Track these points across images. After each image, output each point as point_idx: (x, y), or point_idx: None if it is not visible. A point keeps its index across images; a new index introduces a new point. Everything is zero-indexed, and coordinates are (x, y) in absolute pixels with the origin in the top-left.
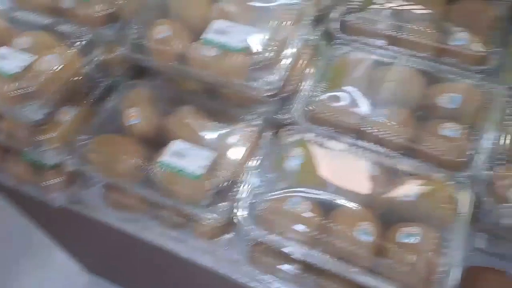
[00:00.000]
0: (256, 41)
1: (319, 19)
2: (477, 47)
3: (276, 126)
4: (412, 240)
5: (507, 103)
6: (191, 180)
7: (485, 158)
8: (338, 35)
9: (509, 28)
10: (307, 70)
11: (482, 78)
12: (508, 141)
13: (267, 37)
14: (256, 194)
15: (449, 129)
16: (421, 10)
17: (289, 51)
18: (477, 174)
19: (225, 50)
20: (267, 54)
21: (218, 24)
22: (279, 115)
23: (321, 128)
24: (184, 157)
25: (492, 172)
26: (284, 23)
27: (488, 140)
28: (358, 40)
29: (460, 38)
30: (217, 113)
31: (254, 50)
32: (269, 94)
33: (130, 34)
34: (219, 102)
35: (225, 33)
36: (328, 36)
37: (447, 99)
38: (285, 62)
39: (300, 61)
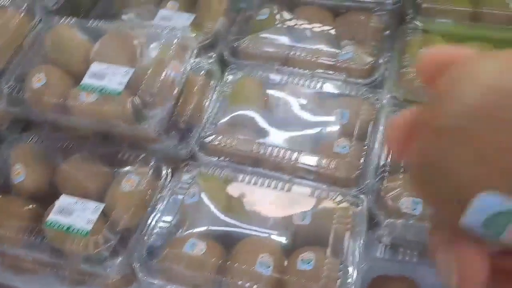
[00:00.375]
0: (137, 81)
1: (212, 46)
2: (362, 60)
3: (175, 163)
4: (307, 266)
5: (393, 113)
6: (82, 237)
7: (374, 172)
8: (231, 61)
9: (393, 37)
10: (202, 101)
11: (369, 90)
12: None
13: (149, 74)
14: (155, 241)
15: (340, 146)
16: (311, 27)
17: (175, 85)
18: (368, 188)
19: (104, 94)
20: (151, 92)
21: (96, 67)
22: (176, 151)
23: (219, 159)
24: (71, 213)
25: (380, 185)
26: (168, 57)
27: (376, 153)
28: (252, 65)
29: (347, 52)
30: (110, 157)
31: (136, 91)
32: (159, 132)
33: (5, 86)
34: (112, 145)
35: (103, 76)
36: (222, 63)
37: (337, 115)
38: (172, 97)
39: (192, 93)
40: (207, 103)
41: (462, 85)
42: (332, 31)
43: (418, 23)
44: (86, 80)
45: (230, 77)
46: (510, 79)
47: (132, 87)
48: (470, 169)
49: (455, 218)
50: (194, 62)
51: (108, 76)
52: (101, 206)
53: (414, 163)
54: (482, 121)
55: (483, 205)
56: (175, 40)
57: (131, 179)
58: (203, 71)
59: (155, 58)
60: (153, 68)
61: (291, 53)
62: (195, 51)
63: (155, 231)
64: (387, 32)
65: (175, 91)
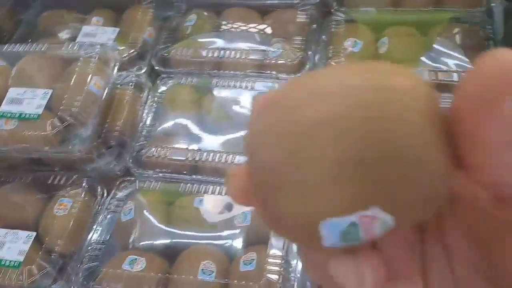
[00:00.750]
0: (57, 101)
1: (141, 57)
2: (291, 55)
3: (112, 181)
4: (249, 267)
5: None
6: (15, 269)
7: None
8: (162, 70)
9: (319, 30)
10: (133, 114)
11: None
12: None
13: (68, 94)
14: (93, 263)
15: None
16: (240, 28)
17: (98, 102)
18: None
19: (24, 119)
20: (71, 111)
21: (13, 92)
22: (111, 169)
23: (155, 171)
24: (2, 246)
25: None
26: (88, 74)
27: None
28: (183, 72)
29: (276, 49)
30: (43, 182)
31: (57, 112)
32: (85, 151)
33: None
34: (44, 169)
35: (21, 101)
36: (154, 73)
37: None
38: (95, 114)
39: (122, 107)
40: (138, 116)
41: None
42: (261, 30)
43: (341, 14)
44: (4, 107)
45: (161, 87)
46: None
47: (52, 108)
48: (296, 208)
49: (317, 244)
50: (120, 75)
51: (26, 101)
52: (33, 234)
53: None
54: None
55: (329, 229)
56: (95, 56)
57: (63, 202)
58: (131, 84)
59: (75, 76)
60: (73, 86)
61: (222, 56)
62: (117, 65)
63: (92, 253)
64: (314, 25)
65: (98, 108)
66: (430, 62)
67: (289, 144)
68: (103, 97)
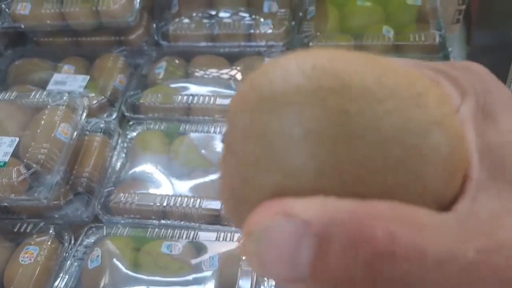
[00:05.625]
0: (24, 149)
1: (111, 104)
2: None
3: (79, 228)
4: None
5: None
6: None
7: None
8: (131, 117)
9: None
10: (102, 160)
11: None
12: None
13: (35, 141)
14: None
15: None
16: (209, 74)
17: (65, 149)
18: None
19: None
20: (37, 159)
21: None
22: (79, 215)
23: (124, 218)
24: None
25: None
26: (55, 121)
27: None
28: (152, 118)
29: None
30: (10, 230)
31: (23, 159)
32: (52, 199)
33: None
34: (11, 217)
35: None
36: (123, 119)
37: None
38: (62, 161)
39: (90, 153)
40: (107, 162)
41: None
42: (230, 76)
43: None
44: None
45: (131, 133)
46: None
47: (20, 156)
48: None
49: None
50: (89, 122)
51: None
52: None
53: None
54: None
55: None
56: (63, 103)
57: (29, 250)
58: (100, 130)
59: (42, 123)
60: (40, 134)
61: (191, 102)
62: (85, 112)
63: None
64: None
65: (66, 155)
66: None
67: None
68: (71, 143)
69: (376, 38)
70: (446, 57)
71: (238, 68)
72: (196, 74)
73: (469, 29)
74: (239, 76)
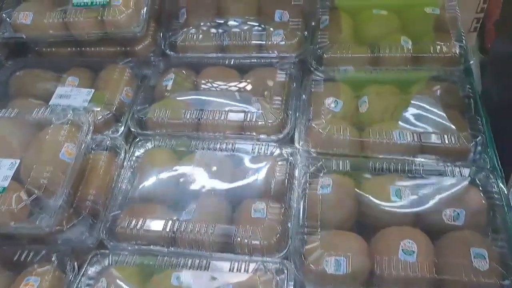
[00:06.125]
0: (25, 172)
1: (117, 119)
2: (271, 116)
3: (84, 253)
4: None
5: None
6: None
7: (294, 234)
8: (138, 132)
9: (299, 90)
10: (108, 180)
11: (281, 146)
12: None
13: (38, 163)
14: None
15: (258, 210)
16: (219, 88)
17: (69, 170)
18: (290, 253)
19: None
20: (40, 183)
21: None
22: (83, 241)
23: (131, 243)
24: None
25: (301, 248)
26: (59, 141)
27: (294, 214)
28: (160, 134)
29: (256, 110)
30: (11, 258)
31: (25, 184)
32: (54, 225)
33: None
34: (12, 244)
35: None
36: (130, 134)
37: (251, 177)
38: (66, 184)
39: (96, 173)
40: (113, 182)
41: None
42: (241, 88)
43: (320, 74)
44: None
45: (138, 150)
46: None
47: (20, 179)
48: None
49: None
50: (94, 139)
51: None
52: None
53: None
54: None
55: None
56: (67, 121)
57: (30, 282)
58: (106, 148)
59: (46, 143)
60: (43, 155)
61: (201, 117)
62: (91, 130)
63: None
64: (293, 85)
65: (69, 177)
66: (411, 120)
67: None
68: (75, 164)
69: (394, 49)
70: (467, 70)
71: (249, 80)
72: (205, 86)
73: (482, 36)
74: (248, 88)
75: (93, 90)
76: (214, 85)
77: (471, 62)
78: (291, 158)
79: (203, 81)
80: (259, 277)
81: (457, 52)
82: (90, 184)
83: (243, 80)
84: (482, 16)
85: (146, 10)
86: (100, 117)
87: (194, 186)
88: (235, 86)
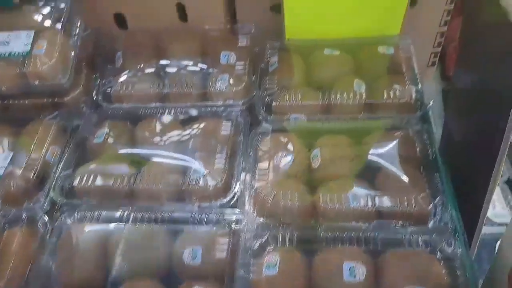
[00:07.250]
0: None
1: (41, 183)
2: (214, 177)
3: None
4: None
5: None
6: None
7: None
8: (63, 202)
9: (245, 142)
10: (23, 264)
11: (225, 213)
12: None
13: None
14: None
15: None
16: (157, 143)
17: None
18: None
19: None
20: None
21: None
22: None
23: None
24: None
25: None
26: None
27: None
28: (87, 205)
29: (196, 171)
30: None
31: None
32: None
33: None
34: None
35: None
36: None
37: (188, 252)
38: None
39: (9, 253)
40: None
41: None
42: (182, 144)
43: (269, 124)
44: None
45: (61, 225)
46: None
47: None
48: None
49: None
50: (9, 211)
51: None
52: None
53: None
54: None
55: None
56: None
57: None
58: (23, 222)
59: None
60: None
61: (134, 183)
62: None
63: None
64: (240, 137)
65: None
66: (366, 179)
67: None
68: None
69: (346, 95)
70: (425, 117)
71: (192, 133)
72: (141, 143)
73: (443, 63)
74: (190, 144)
75: (11, 154)
76: (153, 140)
77: (429, 106)
78: (236, 226)
79: (140, 136)
80: None
81: (413, 97)
82: (3, 267)
83: (186, 134)
84: (439, 51)
85: (73, 57)
86: (20, 182)
87: (120, 270)
88: (177, 141)
